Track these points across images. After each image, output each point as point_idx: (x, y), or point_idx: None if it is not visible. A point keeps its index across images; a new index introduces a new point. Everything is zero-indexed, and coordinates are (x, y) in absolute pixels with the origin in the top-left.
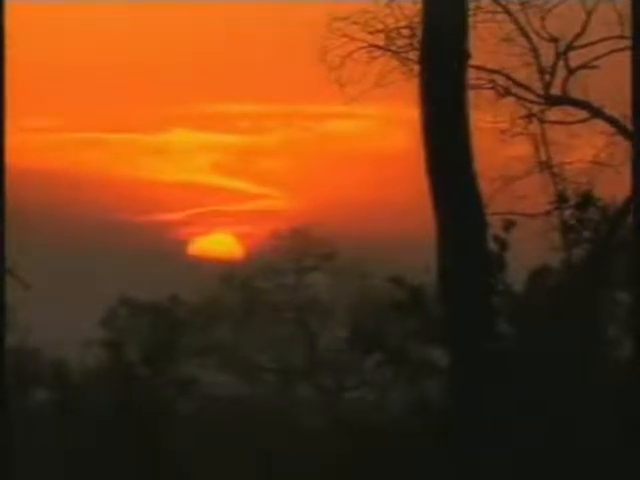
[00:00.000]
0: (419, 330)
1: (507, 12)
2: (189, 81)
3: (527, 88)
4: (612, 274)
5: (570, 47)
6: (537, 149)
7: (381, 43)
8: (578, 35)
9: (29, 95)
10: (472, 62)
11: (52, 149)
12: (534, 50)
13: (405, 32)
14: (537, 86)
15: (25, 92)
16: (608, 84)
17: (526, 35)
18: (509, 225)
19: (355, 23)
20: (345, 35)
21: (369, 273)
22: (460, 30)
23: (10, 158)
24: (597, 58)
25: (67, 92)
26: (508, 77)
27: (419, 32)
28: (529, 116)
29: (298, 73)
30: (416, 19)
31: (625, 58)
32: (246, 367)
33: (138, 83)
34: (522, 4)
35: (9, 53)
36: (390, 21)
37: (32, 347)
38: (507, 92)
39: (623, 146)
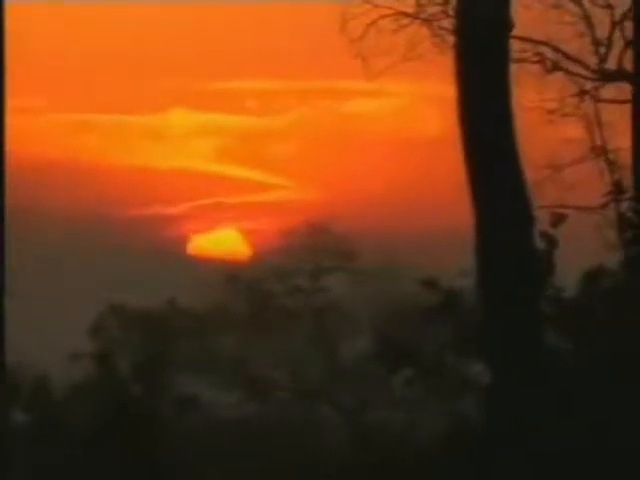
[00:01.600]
0: (455, 341)
1: None
2: (189, 54)
3: (579, 62)
4: None
5: (627, 15)
6: (590, 132)
7: (410, 10)
8: (637, 2)
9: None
10: (515, 32)
11: (31, 132)
12: (587, 19)
13: None
14: (590, 60)
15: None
16: None
17: (578, 1)
18: (559, 220)
19: None
20: (368, 1)
21: (397, 275)
22: None
23: None
24: None
25: (49, 68)
26: (557, 49)
27: None
28: (581, 94)
29: (314, 45)
30: None
31: None
32: (255, 383)
33: (130, 57)
34: None
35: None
36: None
37: (9, 361)
38: (556, 66)
39: None
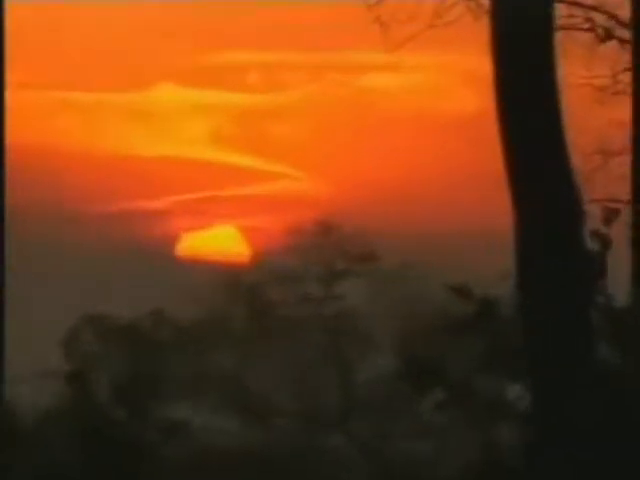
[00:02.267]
0: (490, 358)
1: None
2: (180, 22)
3: (636, 30)
4: None
5: None
6: None
7: None
8: None
9: None
10: None
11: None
12: None
13: None
14: None
15: None
16: None
17: None
18: (612, 215)
19: None
20: None
21: (422, 281)
22: None
23: None
24: None
25: (21, 41)
26: (610, 15)
27: None
28: (637, 68)
29: (325, 11)
30: None
31: None
32: (254, 407)
33: (111, 25)
34: None
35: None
36: None
37: None
38: (609, 35)
39: None
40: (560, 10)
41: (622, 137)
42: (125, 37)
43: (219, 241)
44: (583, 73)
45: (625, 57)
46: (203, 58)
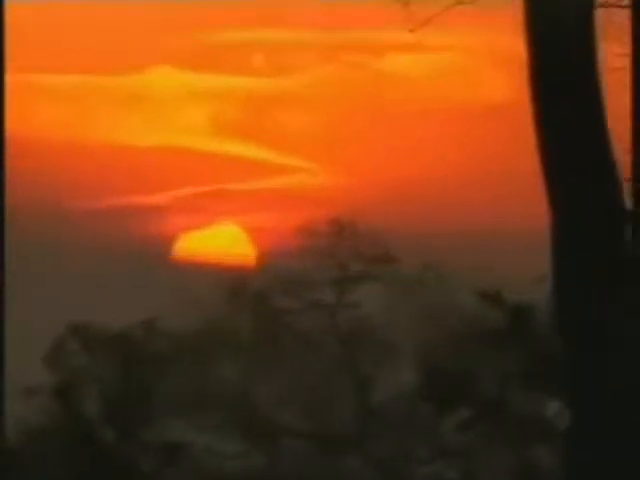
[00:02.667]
0: (524, 372)
1: None
2: None
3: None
4: None
5: None
6: None
7: None
8: None
9: None
10: None
11: None
12: None
13: None
14: None
15: None
16: None
17: None
18: None
19: None
20: None
21: (445, 285)
22: None
23: None
24: None
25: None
26: None
27: None
28: None
29: None
30: None
31: None
32: (262, 428)
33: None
34: None
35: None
36: None
37: None
38: None
39: None
40: None
41: None
42: (117, 15)
43: (221, 241)
44: (623, 54)
45: None
46: (203, 38)
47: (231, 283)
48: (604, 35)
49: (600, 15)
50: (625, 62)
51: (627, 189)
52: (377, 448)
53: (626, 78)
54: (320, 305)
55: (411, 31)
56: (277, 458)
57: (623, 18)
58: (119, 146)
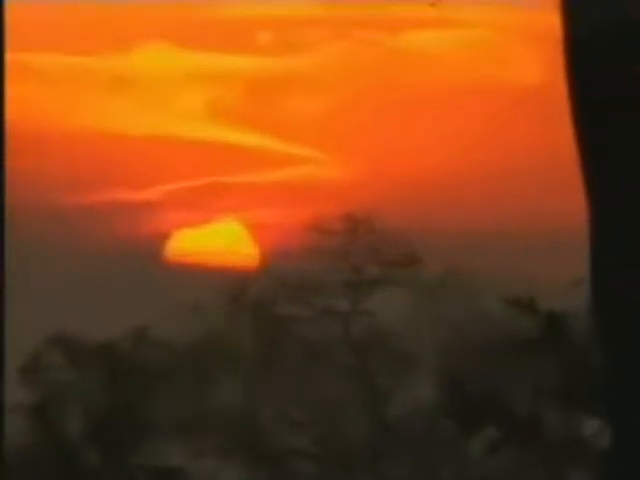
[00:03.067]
0: (560, 385)
1: None
2: None
3: None
4: None
5: None
6: None
7: None
8: None
9: None
10: None
11: None
12: None
13: None
14: None
15: None
16: None
17: None
18: None
19: None
20: None
21: (472, 290)
22: None
23: None
24: None
25: None
26: None
27: None
28: None
29: None
30: None
31: None
32: (267, 451)
33: None
34: None
35: None
36: None
37: None
38: None
39: None
40: None
41: None
42: None
43: (220, 240)
44: None
45: None
46: (201, 12)
47: (230, 287)
48: None
49: None
50: None
51: None
52: (394, 471)
53: None
54: (331, 312)
55: (432, 5)
56: None
57: None
58: (105, 134)
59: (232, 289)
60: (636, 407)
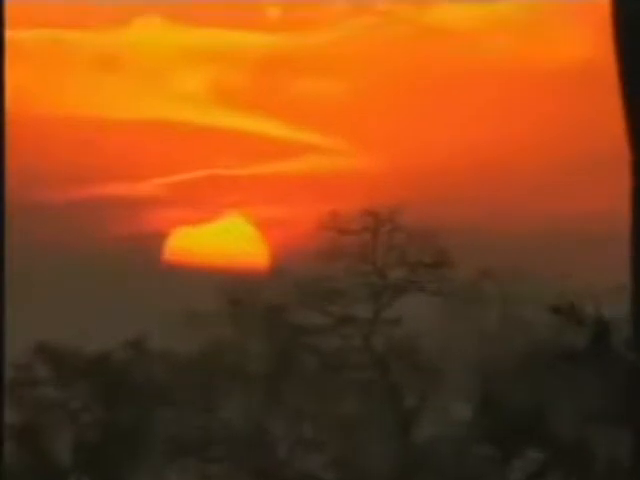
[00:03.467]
0: (609, 403)
1: None
2: None
3: None
4: None
5: None
6: None
7: None
8: None
9: None
10: None
11: None
12: None
13: None
14: None
15: None
16: None
17: None
18: None
19: None
20: None
21: (511, 296)
22: None
23: None
24: None
25: None
26: None
27: None
28: None
29: None
30: None
31: None
32: (277, 476)
33: None
34: None
35: None
36: None
37: None
38: None
39: None
40: None
41: None
42: None
43: (224, 240)
44: None
45: None
46: None
47: (237, 293)
48: None
49: None
50: None
51: None
52: None
53: None
54: (350, 321)
55: None
56: None
57: None
58: (93, 121)
59: (238, 295)
60: None
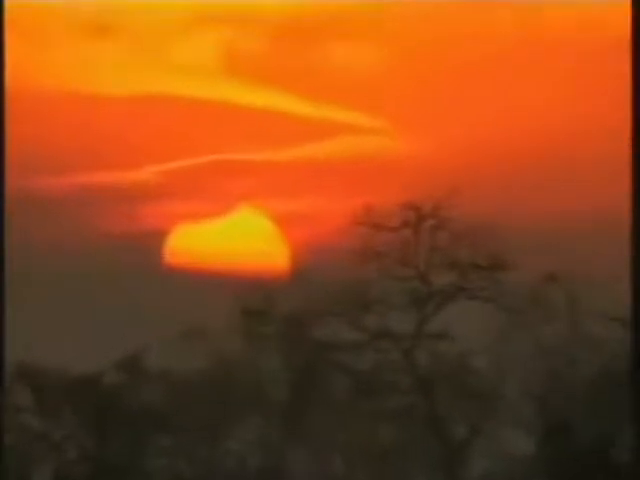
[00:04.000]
0: None
1: None
2: None
3: None
4: None
5: None
6: None
7: None
8: None
9: None
10: None
11: None
12: None
13: None
14: None
15: None
16: None
17: None
18: None
19: None
20: None
21: (578, 304)
22: None
23: None
24: None
25: None
26: None
27: None
28: None
29: None
30: None
31: None
32: None
33: None
34: None
35: None
36: None
37: None
38: None
39: None
40: None
41: None
42: None
43: (237, 237)
44: None
45: None
46: None
47: (251, 301)
48: None
49: None
50: None
51: None
52: None
53: None
54: (387, 336)
55: None
56: None
57: None
58: (82, 96)
59: (252, 304)
60: None
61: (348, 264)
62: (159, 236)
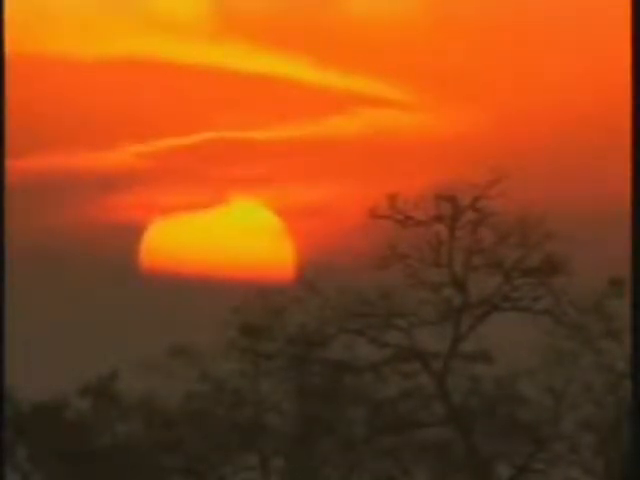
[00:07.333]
0: None
1: None
2: None
3: None
4: None
5: None
6: None
7: None
8: None
9: None
10: None
11: None
12: None
13: None
14: None
15: None
16: None
17: None
18: None
19: None
20: None
21: None
22: None
23: None
24: None
25: None
26: None
27: None
28: None
29: None
30: None
31: None
32: None
33: None
34: None
35: None
36: None
37: None
38: None
39: None
40: None
41: None
42: None
43: (232, 233)
44: None
45: None
46: None
47: (250, 312)
48: None
49: None
50: None
51: None
52: None
53: None
54: (416, 355)
55: None
56: None
57: None
58: (52, 61)
59: (252, 315)
60: None
61: (367, 267)
62: (136, 230)
